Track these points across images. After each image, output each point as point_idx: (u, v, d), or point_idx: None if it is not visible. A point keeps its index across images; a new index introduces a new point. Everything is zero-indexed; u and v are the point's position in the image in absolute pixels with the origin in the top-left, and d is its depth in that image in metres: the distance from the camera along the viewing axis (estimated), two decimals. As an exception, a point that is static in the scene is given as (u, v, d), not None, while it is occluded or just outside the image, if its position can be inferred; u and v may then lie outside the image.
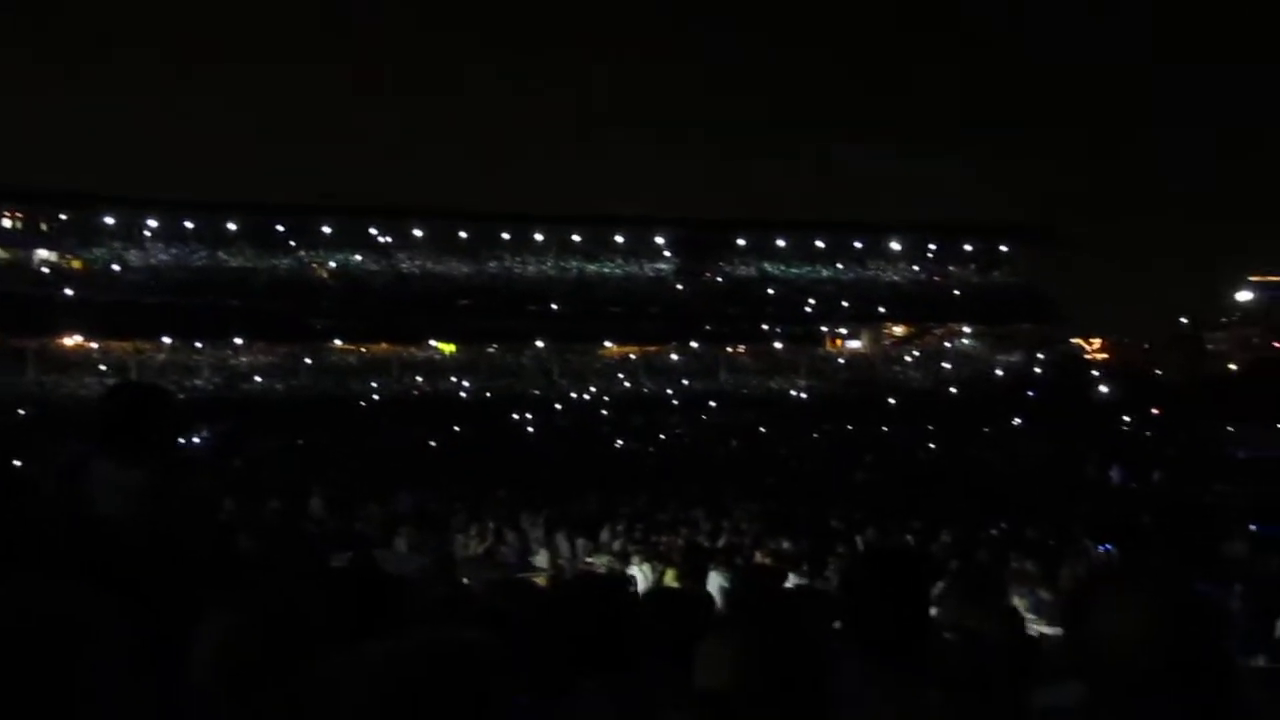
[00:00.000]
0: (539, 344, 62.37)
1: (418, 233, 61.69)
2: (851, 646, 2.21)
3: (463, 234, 62.27)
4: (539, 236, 63.61)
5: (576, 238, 64.20)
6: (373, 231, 61.34)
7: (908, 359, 69.87)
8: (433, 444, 42.84)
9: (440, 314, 59.83)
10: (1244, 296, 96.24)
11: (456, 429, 48.58)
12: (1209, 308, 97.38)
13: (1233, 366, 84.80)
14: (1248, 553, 12.59)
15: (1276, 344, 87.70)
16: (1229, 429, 51.51)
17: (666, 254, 65.77)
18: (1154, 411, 60.23)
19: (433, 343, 62.45)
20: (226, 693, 1.72)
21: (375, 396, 56.77)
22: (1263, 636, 8.23)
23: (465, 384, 59.78)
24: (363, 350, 61.17)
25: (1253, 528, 14.87)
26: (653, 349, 65.65)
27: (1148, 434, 48.12)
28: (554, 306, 61.40)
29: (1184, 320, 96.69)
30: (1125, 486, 24.56)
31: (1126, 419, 54.41)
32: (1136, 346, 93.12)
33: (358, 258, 61.04)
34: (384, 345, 61.40)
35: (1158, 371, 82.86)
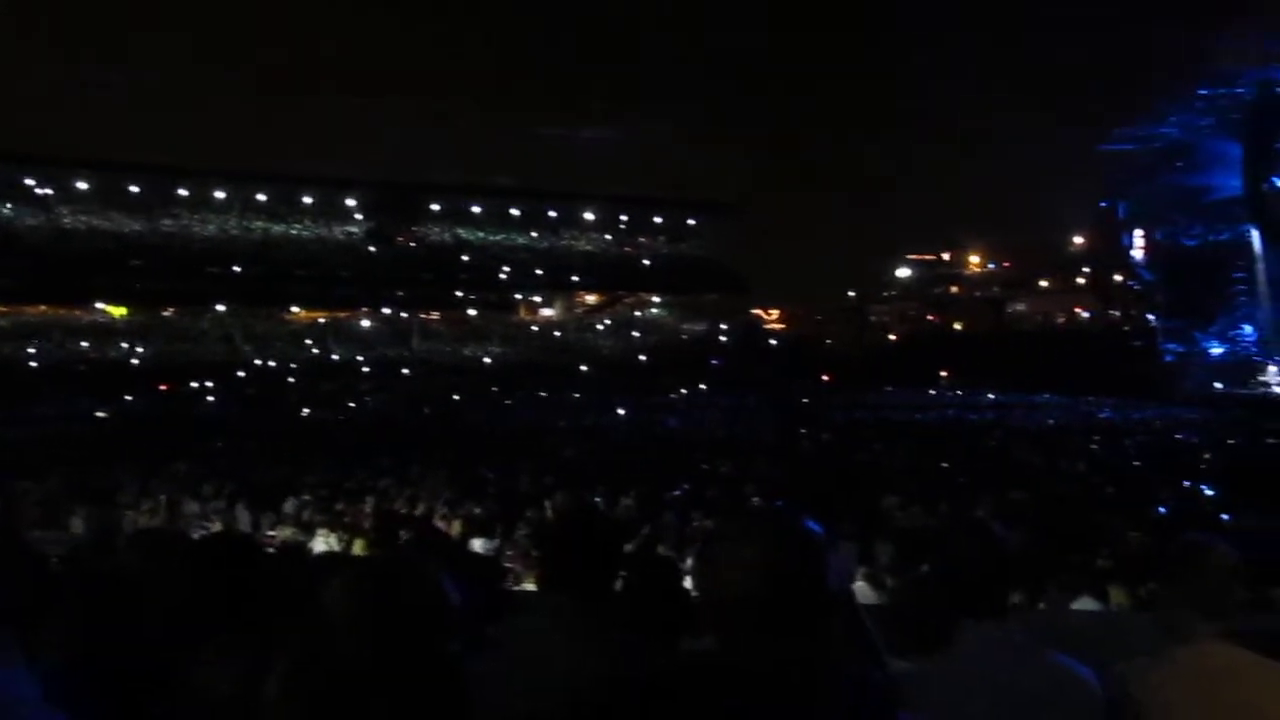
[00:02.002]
0: (220, 308, 59.26)
1: (82, 185, 56.76)
2: (546, 598, 2.33)
3: (134, 188, 57.90)
4: (220, 194, 60.20)
5: (261, 196, 61.27)
6: (29, 182, 55.88)
7: (599, 327, 71.49)
8: (101, 414, 39.87)
9: (109, 274, 55.35)
10: (903, 273, 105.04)
11: (128, 398, 45.47)
12: (872, 283, 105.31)
13: (892, 337, 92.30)
14: (900, 505, 13.71)
15: (930, 317, 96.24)
16: (888, 393, 56.11)
17: (358, 216, 64.06)
18: (824, 377, 64.75)
19: (100, 305, 57.91)
20: None
21: (33, 364, 51.99)
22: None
23: (138, 349, 55.88)
24: (18, 312, 55.73)
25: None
26: (342, 314, 63.88)
27: (818, 397, 51.43)
28: (236, 268, 58.36)
29: (851, 294, 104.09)
30: (797, 447, 26.20)
31: (800, 383, 58.01)
32: (810, 317, 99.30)
33: (9, 209, 55.52)
34: (42, 307, 56.28)
35: (828, 340, 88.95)
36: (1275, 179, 39.29)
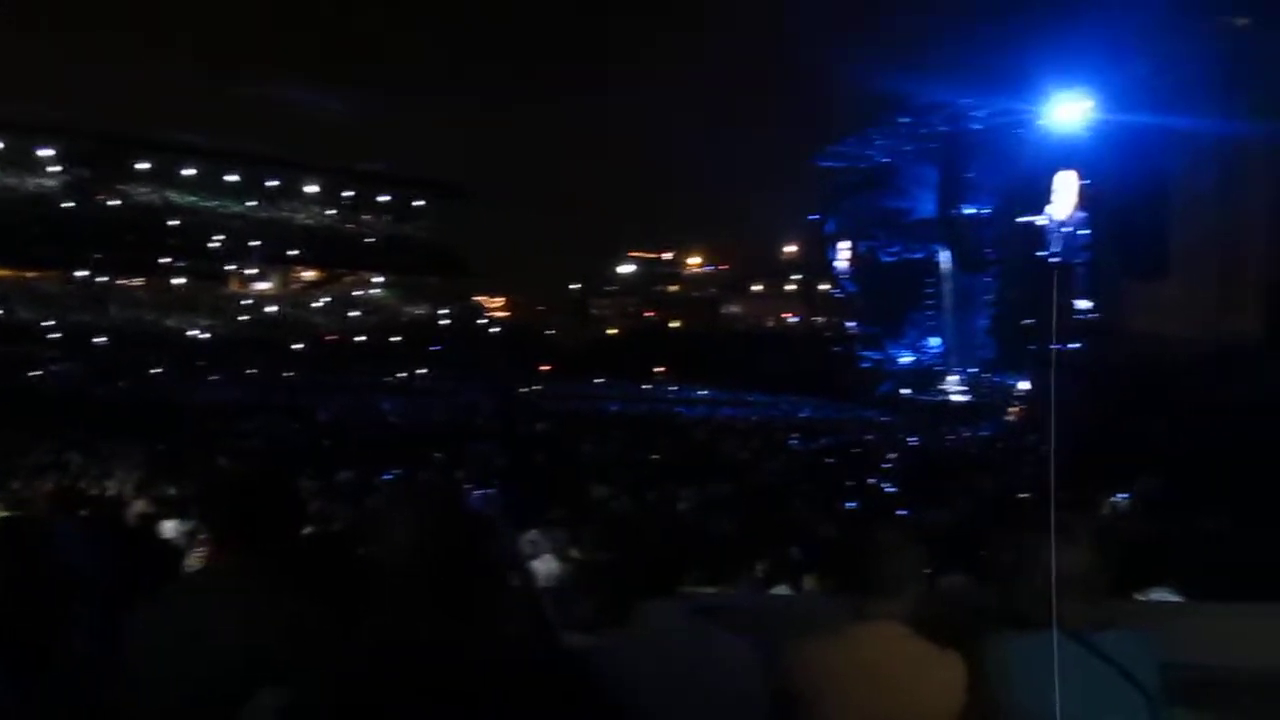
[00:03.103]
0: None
1: None
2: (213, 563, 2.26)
3: None
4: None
5: (-63, 140, 55.59)
6: None
7: (316, 304, 69.26)
8: None
9: None
10: (625, 269, 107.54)
11: None
12: (596, 277, 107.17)
13: (612, 331, 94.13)
14: (610, 495, 14.08)
15: (648, 313, 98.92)
16: (605, 385, 57.23)
17: (53, 168, 59.11)
18: (544, 367, 65.24)
19: None
20: None
21: None
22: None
23: None
24: None
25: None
26: (32, 274, 58.83)
27: (537, 388, 51.84)
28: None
29: (574, 287, 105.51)
30: (513, 435, 26.30)
31: (519, 373, 58.21)
32: (532, 307, 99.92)
33: None
34: None
35: (549, 331, 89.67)
36: (965, 206, 42.67)
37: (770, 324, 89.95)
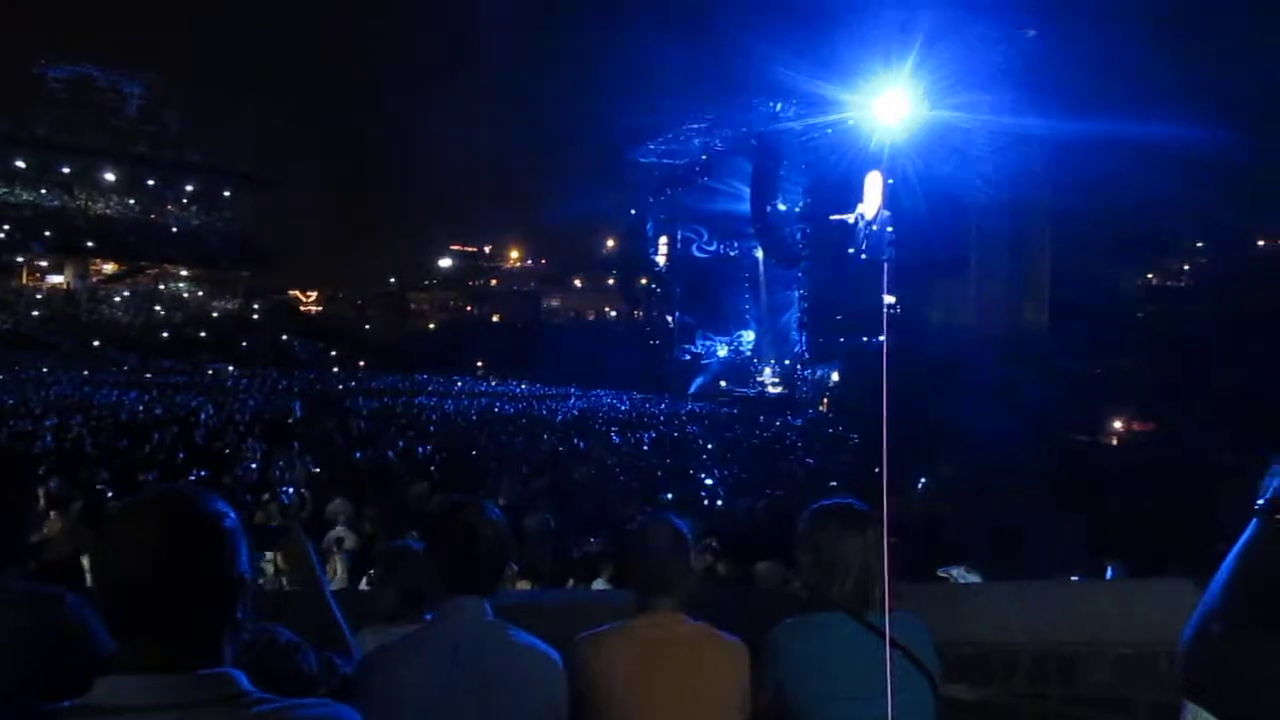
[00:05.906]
0: None
1: None
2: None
3: None
4: None
5: None
6: None
7: (117, 298, 66.00)
8: None
9: None
10: (445, 263, 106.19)
11: None
12: (414, 271, 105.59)
13: (432, 325, 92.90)
14: (427, 493, 13.88)
15: (469, 307, 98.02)
16: (424, 380, 56.44)
17: None
18: (361, 363, 63.89)
19: None
20: None
21: None
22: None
23: None
24: None
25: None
26: None
27: (354, 383, 50.70)
28: None
29: (392, 281, 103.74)
30: (329, 433, 25.55)
31: (336, 369, 56.89)
32: (349, 302, 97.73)
33: None
34: None
35: (367, 326, 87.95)
36: (778, 203, 43.78)
37: (590, 317, 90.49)
